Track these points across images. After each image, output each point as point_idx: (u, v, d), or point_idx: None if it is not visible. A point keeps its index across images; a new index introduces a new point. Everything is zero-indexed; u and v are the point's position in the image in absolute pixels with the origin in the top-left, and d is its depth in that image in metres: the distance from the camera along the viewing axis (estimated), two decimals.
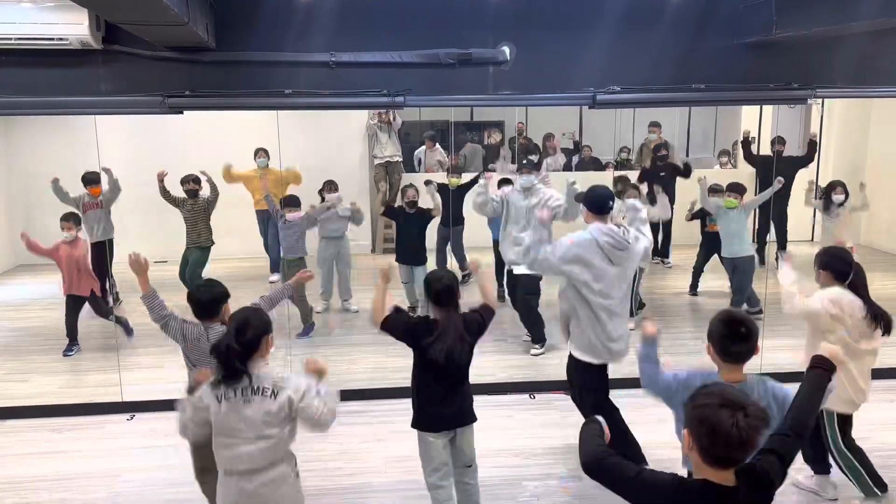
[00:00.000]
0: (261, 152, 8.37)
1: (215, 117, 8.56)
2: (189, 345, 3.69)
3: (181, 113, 5.24)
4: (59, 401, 5.62)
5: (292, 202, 7.01)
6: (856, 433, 4.95)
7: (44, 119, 9.01)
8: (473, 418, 3.77)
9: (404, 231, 7.42)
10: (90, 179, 7.30)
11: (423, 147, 10.85)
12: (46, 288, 6.74)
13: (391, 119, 9.76)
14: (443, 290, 3.60)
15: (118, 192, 7.38)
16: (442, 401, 3.65)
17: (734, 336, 2.82)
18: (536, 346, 6.49)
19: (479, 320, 3.71)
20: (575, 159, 12.24)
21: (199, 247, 7.45)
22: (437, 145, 10.98)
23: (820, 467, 4.27)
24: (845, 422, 4.15)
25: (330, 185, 7.47)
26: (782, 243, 8.93)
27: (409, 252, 7.30)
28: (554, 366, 6.25)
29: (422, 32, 5.13)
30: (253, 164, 8.53)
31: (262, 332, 2.99)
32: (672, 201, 8.94)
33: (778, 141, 8.81)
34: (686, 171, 8.98)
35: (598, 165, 11.49)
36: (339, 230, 7.48)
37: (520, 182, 6.37)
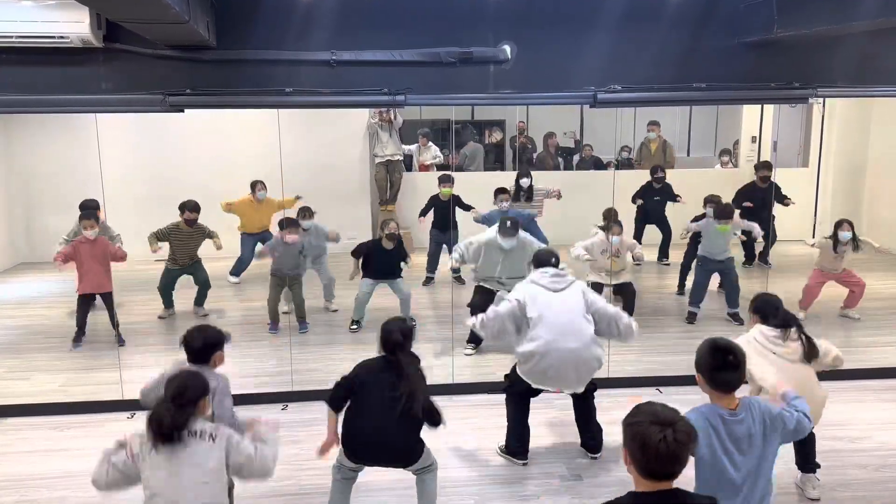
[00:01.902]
0: (259, 185, 8.23)
1: (216, 116, 8.58)
2: None
3: (182, 111, 5.24)
4: (60, 399, 5.63)
5: (291, 223, 7.01)
6: (852, 433, 4.97)
7: (44, 118, 9.02)
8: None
9: (378, 260, 7.09)
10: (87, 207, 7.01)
11: (417, 144, 10.85)
12: (48, 286, 6.75)
13: (392, 118, 9.76)
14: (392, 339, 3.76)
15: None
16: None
17: (722, 366, 2.86)
18: (470, 345, 6.49)
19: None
20: (575, 158, 12.26)
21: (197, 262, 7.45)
22: (431, 142, 10.99)
23: (807, 466, 4.29)
24: None
25: (305, 213, 7.40)
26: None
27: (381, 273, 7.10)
28: None
29: (422, 31, 5.13)
30: (246, 189, 8.39)
31: (200, 394, 3.06)
32: (664, 218, 9.02)
33: (763, 167, 8.79)
34: (676, 199, 9.06)
35: (598, 165, 11.50)
36: (318, 250, 7.52)
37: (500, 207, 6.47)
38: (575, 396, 4.74)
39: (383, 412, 3.63)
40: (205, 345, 3.63)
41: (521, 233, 6.47)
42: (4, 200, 9.52)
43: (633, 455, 2.20)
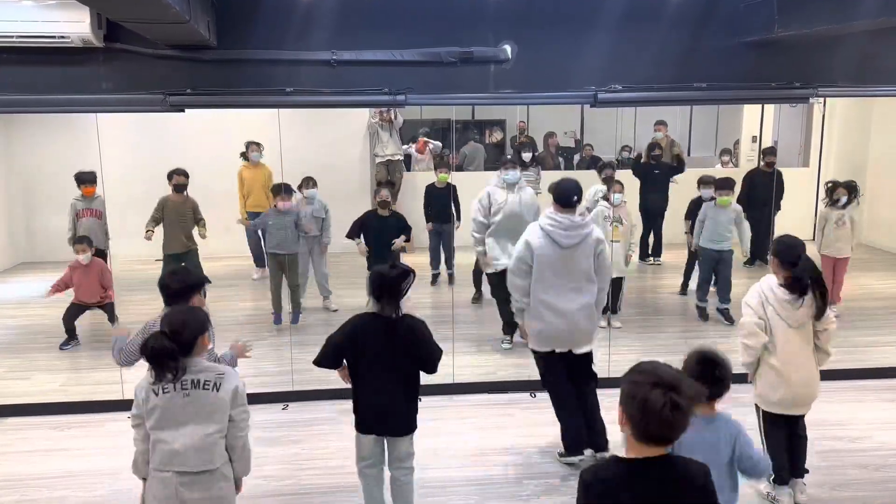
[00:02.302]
0: (252, 146, 8.25)
1: (216, 116, 8.58)
2: None
3: (182, 111, 5.24)
4: (59, 398, 5.63)
5: (285, 189, 6.93)
6: (853, 433, 4.97)
7: (45, 117, 9.02)
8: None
9: (376, 232, 7.03)
10: (84, 179, 7.17)
11: (415, 144, 10.84)
12: (48, 286, 6.75)
13: (392, 118, 9.76)
14: (384, 285, 3.57)
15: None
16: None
17: (708, 378, 2.85)
18: (506, 339, 6.50)
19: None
20: (576, 158, 12.26)
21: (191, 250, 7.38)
22: (429, 142, 10.98)
23: (796, 471, 4.22)
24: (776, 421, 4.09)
25: (308, 182, 7.41)
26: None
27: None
28: None
29: (423, 31, 5.13)
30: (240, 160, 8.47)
31: (199, 332, 3.00)
32: (665, 199, 8.98)
33: (769, 152, 8.80)
34: (680, 167, 9.03)
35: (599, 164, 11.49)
36: (318, 225, 7.46)
37: (504, 178, 6.34)
38: (577, 390, 4.68)
39: (383, 376, 3.58)
40: (184, 286, 3.53)
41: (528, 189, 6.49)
42: (5, 200, 9.52)
43: (632, 417, 2.07)
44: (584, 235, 4.49)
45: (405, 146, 10.44)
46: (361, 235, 7.06)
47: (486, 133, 12.73)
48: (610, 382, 5.31)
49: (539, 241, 4.46)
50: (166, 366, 2.89)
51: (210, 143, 9.36)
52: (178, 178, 7.29)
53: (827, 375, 5.79)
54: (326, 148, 9.86)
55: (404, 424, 3.70)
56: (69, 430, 5.22)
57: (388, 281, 3.57)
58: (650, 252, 9.31)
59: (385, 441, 3.74)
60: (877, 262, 9.60)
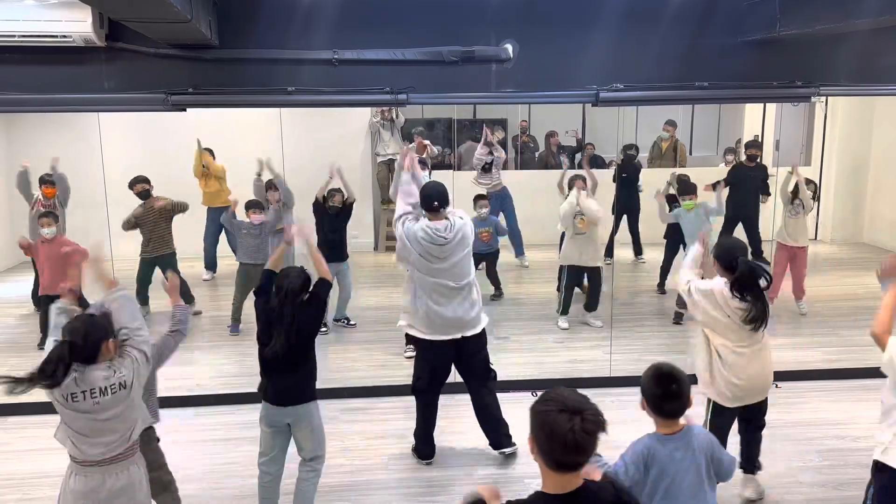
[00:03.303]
0: (208, 151, 8.27)
1: (218, 115, 8.57)
2: None
3: (184, 110, 5.24)
4: None
5: (256, 205, 6.97)
6: (855, 432, 4.96)
7: (47, 117, 9.01)
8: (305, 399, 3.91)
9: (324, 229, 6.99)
10: (44, 180, 7.20)
11: (413, 144, 10.81)
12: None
13: (394, 117, 9.76)
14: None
15: (68, 193, 7.40)
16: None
17: (666, 395, 2.85)
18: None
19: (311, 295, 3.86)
20: (577, 157, 12.24)
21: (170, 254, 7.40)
22: (427, 142, 10.95)
23: (748, 466, 4.25)
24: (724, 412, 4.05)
25: (270, 186, 7.32)
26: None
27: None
28: (556, 363, 6.27)
29: (425, 30, 5.13)
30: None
31: (101, 337, 2.99)
32: (637, 201, 8.96)
33: (752, 145, 8.77)
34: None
35: (600, 163, 11.49)
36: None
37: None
38: (474, 390, 4.76)
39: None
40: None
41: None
42: (6, 199, 9.52)
43: (540, 444, 2.08)
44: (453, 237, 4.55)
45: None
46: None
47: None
48: (610, 382, 5.36)
49: None
50: (58, 372, 2.91)
51: (212, 142, 9.36)
52: (140, 187, 7.35)
53: (828, 375, 5.81)
54: (328, 147, 9.84)
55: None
56: None
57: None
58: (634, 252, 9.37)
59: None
60: (878, 260, 9.54)
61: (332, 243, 6.79)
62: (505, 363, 6.13)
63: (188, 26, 4.25)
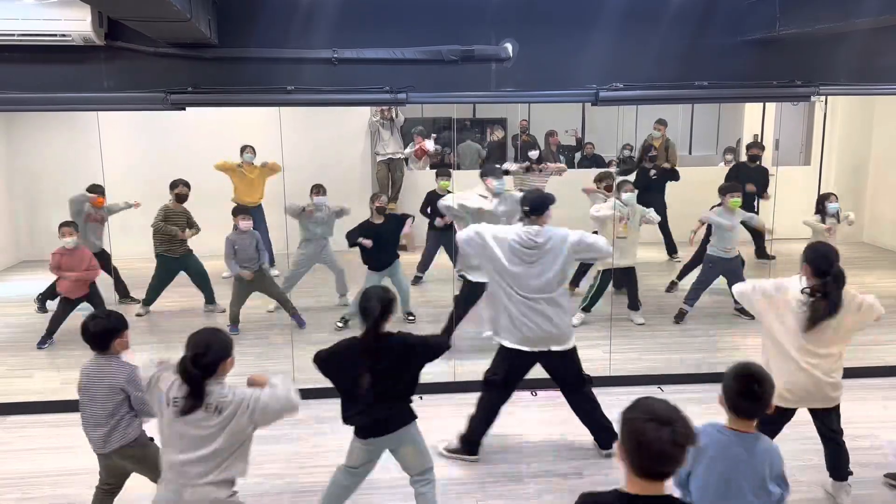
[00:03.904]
0: (248, 148, 8.37)
1: (218, 114, 8.58)
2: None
3: (183, 109, 5.24)
4: (61, 396, 5.62)
5: (242, 211, 7.03)
6: (858, 431, 4.96)
7: (46, 116, 9.03)
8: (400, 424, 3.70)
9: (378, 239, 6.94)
10: (94, 190, 7.31)
11: (410, 144, 10.82)
12: (49, 284, 6.77)
13: (393, 116, 9.75)
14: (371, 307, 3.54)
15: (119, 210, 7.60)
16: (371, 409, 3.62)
17: (747, 395, 2.80)
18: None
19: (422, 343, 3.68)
20: (577, 156, 12.25)
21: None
22: (426, 140, 10.96)
23: (837, 473, 4.23)
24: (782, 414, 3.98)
25: (318, 189, 7.43)
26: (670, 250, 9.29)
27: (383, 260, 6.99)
28: None
29: (424, 29, 5.13)
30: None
31: (221, 356, 3.00)
32: (663, 204, 8.96)
33: (754, 145, 8.79)
34: (675, 176, 9.01)
35: (600, 162, 11.49)
36: (323, 233, 7.46)
37: (497, 186, 6.20)
38: (568, 396, 4.73)
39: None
40: (105, 330, 3.56)
41: (514, 193, 6.41)
42: (6, 198, 9.53)
43: (628, 451, 2.11)
44: (546, 251, 4.54)
45: (407, 149, 10.43)
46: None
47: (487, 131, 12.73)
48: (610, 381, 5.36)
49: None
50: (197, 394, 2.92)
51: (211, 141, 9.36)
52: (183, 189, 7.44)
53: None
54: (327, 146, 9.86)
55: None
56: (70, 427, 5.19)
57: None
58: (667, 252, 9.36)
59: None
60: (878, 260, 9.59)
61: (378, 252, 6.87)
62: None
63: (188, 25, 4.25)
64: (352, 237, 6.88)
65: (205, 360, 2.93)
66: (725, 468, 2.80)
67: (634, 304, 7.18)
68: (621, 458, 2.15)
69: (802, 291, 3.81)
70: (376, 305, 3.52)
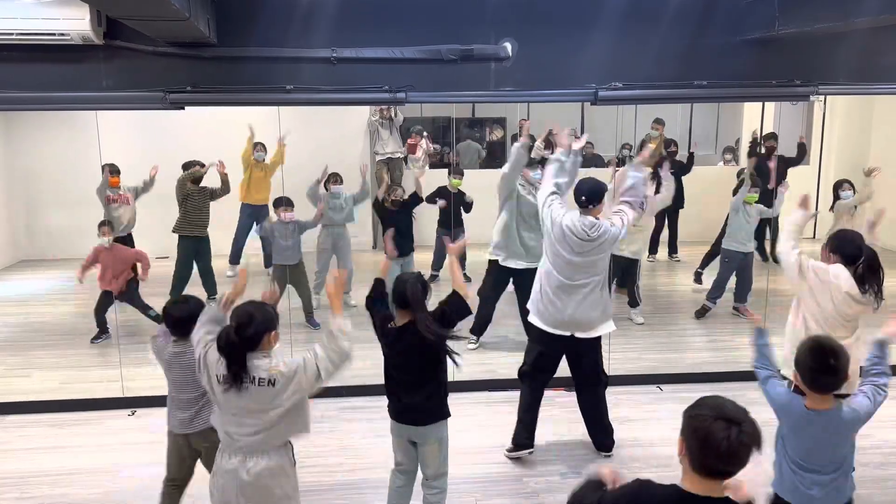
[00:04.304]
0: (259, 146, 8.36)
1: (217, 113, 8.57)
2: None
3: (182, 109, 5.23)
4: (60, 396, 5.63)
5: (285, 202, 6.96)
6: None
7: (45, 115, 9.02)
8: (432, 419, 3.69)
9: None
10: (111, 170, 7.29)
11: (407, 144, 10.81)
12: (48, 283, 6.77)
13: (392, 115, 9.74)
14: (406, 292, 3.53)
15: (149, 187, 7.56)
16: (400, 396, 3.68)
17: (823, 369, 2.81)
18: (472, 337, 6.41)
19: (440, 314, 3.60)
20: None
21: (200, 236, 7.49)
22: (423, 139, 10.94)
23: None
24: None
25: (335, 178, 7.51)
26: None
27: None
28: None
29: (423, 28, 5.12)
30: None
31: (264, 328, 2.98)
32: (681, 197, 8.93)
33: (770, 137, 8.80)
34: (689, 166, 9.01)
35: (599, 162, 11.49)
36: (342, 219, 7.49)
37: (533, 176, 6.11)
38: (581, 391, 4.74)
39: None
40: (189, 315, 3.53)
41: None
42: (5, 197, 9.52)
43: (691, 448, 2.07)
44: (599, 243, 4.49)
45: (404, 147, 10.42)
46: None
47: (486, 131, 12.71)
48: (609, 380, 5.32)
49: None
50: (236, 363, 2.91)
51: (210, 140, 9.35)
52: (197, 169, 7.48)
53: None
54: (326, 146, 9.84)
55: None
56: (69, 427, 5.22)
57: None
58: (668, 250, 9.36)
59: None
60: (879, 258, 9.58)
61: (399, 239, 6.76)
62: (504, 362, 6.14)
63: (186, 24, 4.24)
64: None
65: (248, 331, 2.91)
66: (810, 447, 2.93)
67: (634, 301, 7.18)
68: (682, 454, 2.11)
69: (862, 290, 3.78)
70: (420, 288, 3.53)
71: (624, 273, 7.08)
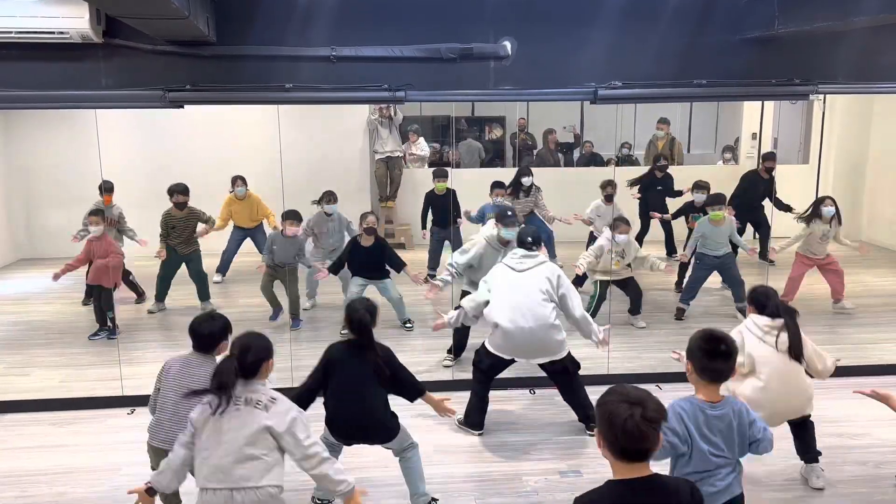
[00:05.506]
0: (238, 181, 8.14)
1: (216, 111, 8.57)
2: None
3: (182, 107, 5.23)
4: (59, 395, 5.62)
5: (293, 216, 6.92)
6: (852, 430, 4.97)
7: (44, 114, 9.02)
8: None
9: (359, 259, 6.79)
10: (105, 188, 7.29)
11: (407, 141, 10.83)
12: (47, 282, 6.75)
13: (392, 114, 9.75)
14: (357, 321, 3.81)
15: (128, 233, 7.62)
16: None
17: (714, 353, 2.88)
18: (449, 356, 6.18)
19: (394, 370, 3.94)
20: (575, 154, 12.25)
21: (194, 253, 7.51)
22: (421, 139, 10.97)
23: (808, 456, 4.31)
24: None
25: (329, 197, 7.38)
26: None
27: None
28: None
29: (423, 27, 5.12)
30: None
31: (263, 356, 3.12)
32: (666, 212, 8.92)
33: (769, 157, 8.81)
34: (677, 193, 8.97)
35: (599, 161, 11.50)
36: (338, 240, 7.44)
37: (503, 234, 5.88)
38: (553, 377, 4.93)
39: (358, 392, 3.82)
40: (217, 331, 3.61)
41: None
42: (4, 196, 9.52)
43: (604, 434, 2.17)
44: (536, 263, 4.92)
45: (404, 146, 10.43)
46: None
47: (485, 130, 12.73)
48: (609, 380, 5.32)
49: None
50: (226, 388, 3.00)
51: (210, 138, 9.36)
52: (179, 198, 7.41)
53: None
54: (326, 144, 9.85)
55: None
56: (69, 426, 5.22)
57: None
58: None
59: None
60: (877, 259, 9.59)
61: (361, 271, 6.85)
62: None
63: (186, 23, 4.24)
64: (336, 267, 6.81)
65: (247, 359, 3.05)
66: (712, 435, 2.92)
67: (637, 310, 7.17)
68: (602, 446, 2.20)
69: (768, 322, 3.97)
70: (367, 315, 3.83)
71: (624, 288, 7.08)
